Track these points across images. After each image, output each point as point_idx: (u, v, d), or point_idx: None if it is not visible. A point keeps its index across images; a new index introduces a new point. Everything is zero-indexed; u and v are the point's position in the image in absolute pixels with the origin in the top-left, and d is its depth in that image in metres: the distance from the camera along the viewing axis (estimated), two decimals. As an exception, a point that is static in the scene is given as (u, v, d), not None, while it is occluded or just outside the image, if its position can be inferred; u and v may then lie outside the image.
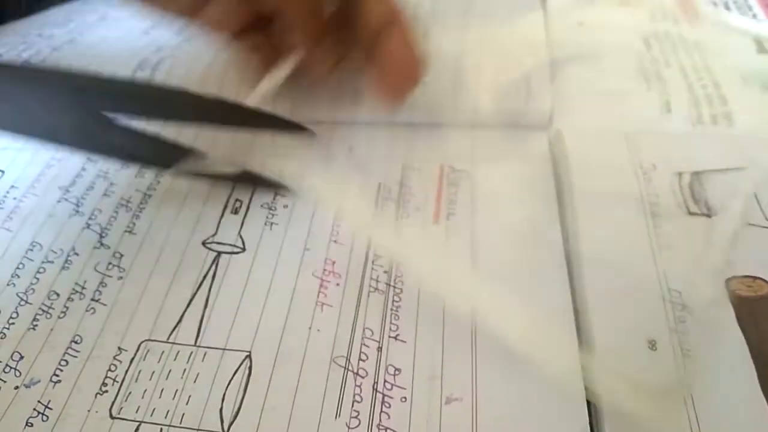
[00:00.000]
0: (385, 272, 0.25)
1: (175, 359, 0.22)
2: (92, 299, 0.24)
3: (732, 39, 0.36)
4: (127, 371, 0.22)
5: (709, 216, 0.26)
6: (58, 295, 0.25)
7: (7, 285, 0.25)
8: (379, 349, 0.22)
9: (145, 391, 0.22)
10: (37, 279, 0.25)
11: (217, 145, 0.28)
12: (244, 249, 0.26)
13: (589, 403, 0.20)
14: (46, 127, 0.24)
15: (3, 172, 0.30)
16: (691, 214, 0.26)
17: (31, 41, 0.39)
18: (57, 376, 0.22)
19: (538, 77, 0.31)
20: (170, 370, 0.22)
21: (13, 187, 0.29)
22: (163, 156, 0.26)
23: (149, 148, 0.26)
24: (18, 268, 0.26)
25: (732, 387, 0.20)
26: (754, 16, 0.38)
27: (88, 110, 0.24)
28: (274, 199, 0.28)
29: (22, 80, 0.24)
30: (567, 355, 0.21)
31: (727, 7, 0.39)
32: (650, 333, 0.22)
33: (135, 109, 0.25)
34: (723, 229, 0.25)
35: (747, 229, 0.25)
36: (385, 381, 0.21)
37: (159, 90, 0.27)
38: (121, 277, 0.25)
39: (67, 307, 0.24)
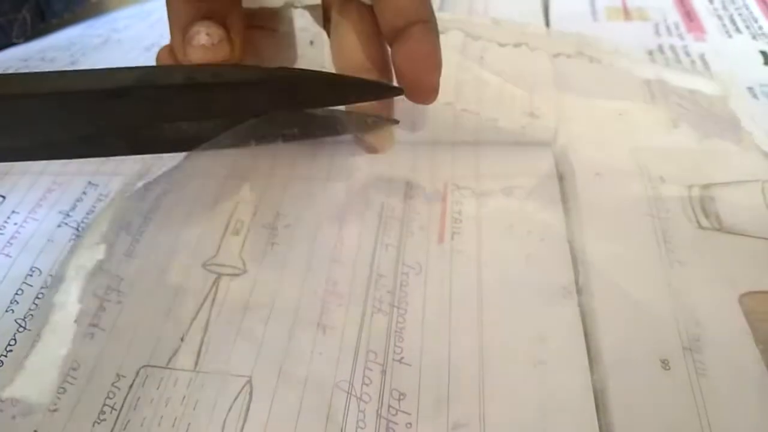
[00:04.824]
0: (389, 292, 0.24)
1: (174, 385, 0.22)
2: (90, 324, 0.24)
3: (737, 51, 0.35)
4: (125, 398, 0.22)
5: (720, 230, 0.25)
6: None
7: (6, 311, 0.25)
8: (383, 372, 0.22)
9: (144, 419, 0.21)
10: (36, 305, 0.25)
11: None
12: (245, 270, 0.25)
13: (600, 427, 0.20)
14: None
15: (4, 197, 0.30)
16: (702, 228, 0.25)
17: (33, 65, 0.39)
18: (54, 404, 0.22)
19: (541, 92, 0.31)
20: (169, 397, 0.21)
21: (14, 212, 0.29)
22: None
23: None
24: (17, 293, 0.25)
25: (749, 408, 0.19)
26: (760, 28, 0.37)
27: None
28: (275, 219, 0.27)
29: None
30: (577, 376, 0.21)
31: (732, 20, 0.38)
32: (663, 352, 0.21)
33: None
34: (735, 243, 0.25)
35: (760, 243, 0.24)
36: (389, 406, 0.21)
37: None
38: (120, 302, 0.25)
39: (66, 333, 0.24)
